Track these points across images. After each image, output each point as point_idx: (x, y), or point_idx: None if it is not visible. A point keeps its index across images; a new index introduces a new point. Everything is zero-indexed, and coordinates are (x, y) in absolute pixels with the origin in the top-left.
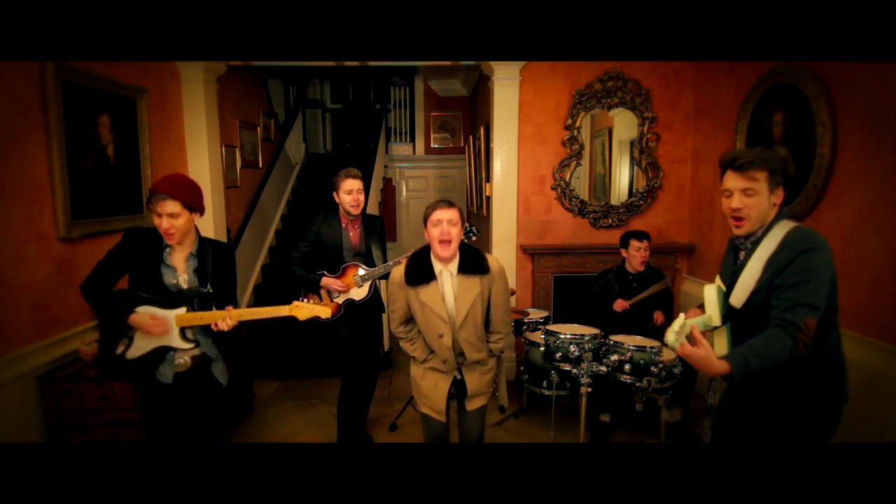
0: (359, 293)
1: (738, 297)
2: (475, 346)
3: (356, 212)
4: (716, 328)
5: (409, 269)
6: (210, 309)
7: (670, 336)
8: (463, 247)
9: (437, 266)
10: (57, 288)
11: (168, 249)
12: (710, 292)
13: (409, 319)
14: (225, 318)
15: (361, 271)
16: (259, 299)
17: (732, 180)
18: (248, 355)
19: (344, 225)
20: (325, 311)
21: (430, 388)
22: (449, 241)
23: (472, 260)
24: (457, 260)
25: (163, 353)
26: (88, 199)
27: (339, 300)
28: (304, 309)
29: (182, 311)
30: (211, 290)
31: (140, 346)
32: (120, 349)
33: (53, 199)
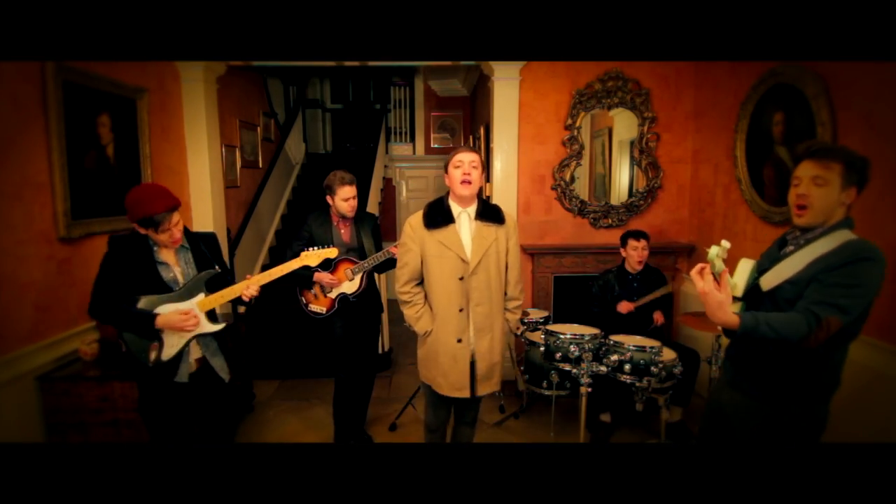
0: (350, 286)
1: (769, 281)
2: (483, 294)
3: (353, 215)
4: (734, 299)
5: (427, 213)
6: (220, 288)
7: (713, 249)
8: (481, 198)
9: (456, 209)
10: (57, 288)
11: (157, 248)
12: (745, 265)
13: (417, 280)
14: (249, 286)
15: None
16: (259, 299)
17: (804, 168)
18: (248, 355)
19: (335, 223)
20: (332, 252)
21: (450, 364)
22: (470, 182)
23: (490, 209)
24: (475, 206)
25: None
26: (88, 199)
27: (333, 295)
28: (313, 256)
29: (201, 296)
30: (219, 270)
31: (173, 344)
32: (153, 355)
33: (53, 199)
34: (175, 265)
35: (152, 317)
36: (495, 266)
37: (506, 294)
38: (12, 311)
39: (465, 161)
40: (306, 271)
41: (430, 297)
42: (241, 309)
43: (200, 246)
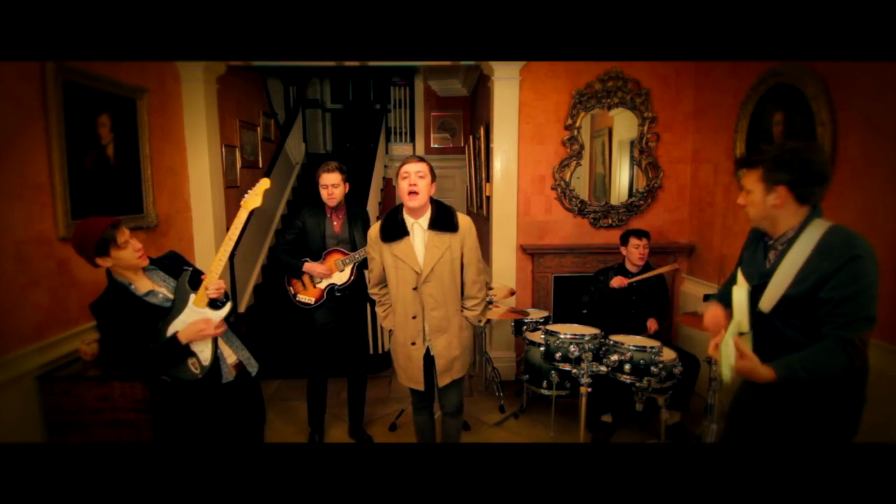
0: (340, 277)
1: (768, 302)
2: (438, 300)
3: (332, 204)
4: (743, 334)
5: (383, 226)
6: (200, 282)
7: (726, 372)
8: (437, 204)
9: (409, 220)
10: (57, 288)
11: (133, 287)
12: (741, 295)
13: (384, 283)
14: (220, 260)
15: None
16: (259, 299)
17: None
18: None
19: (328, 215)
20: (266, 183)
21: (406, 362)
22: (417, 192)
23: (443, 217)
24: (428, 215)
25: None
26: (88, 199)
27: (322, 286)
28: (251, 198)
29: (192, 297)
30: (189, 268)
31: (204, 350)
32: (196, 370)
33: (53, 199)
34: (158, 287)
35: (174, 340)
36: (449, 272)
37: (464, 294)
38: (12, 311)
39: (412, 172)
40: (297, 262)
41: (392, 301)
42: (241, 309)
43: (164, 262)
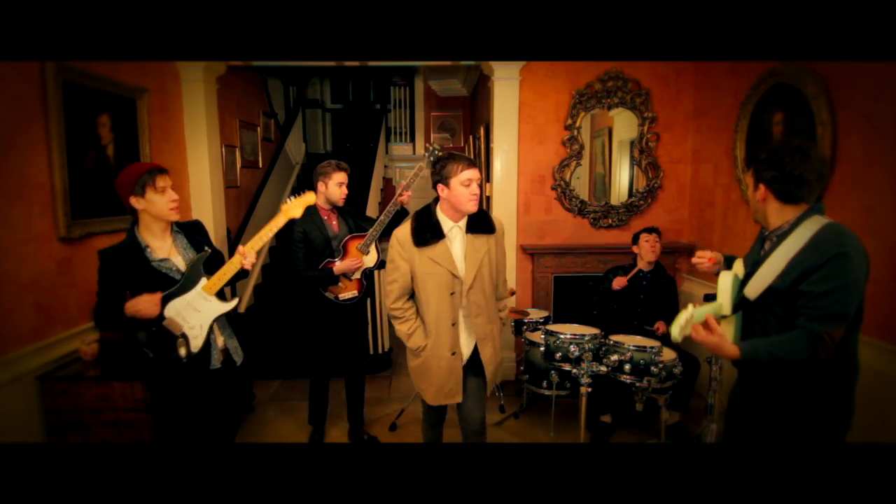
0: (370, 260)
1: (755, 289)
2: (481, 306)
3: (342, 203)
4: (724, 317)
5: (415, 230)
6: (218, 267)
7: (675, 329)
8: None
9: (448, 224)
10: (57, 288)
11: (149, 250)
12: (725, 280)
13: (408, 295)
14: (245, 256)
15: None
16: (259, 299)
17: None
18: (249, 355)
19: (325, 217)
20: (311, 198)
21: (443, 377)
22: (478, 199)
23: (481, 219)
24: (465, 218)
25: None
26: (88, 199)
27: (357, 276)
28: (293, 206)
29: (203, 281)
30: (209, 251)
31: (196, 335)
32: (182, 350)
33: (53, 199)
34: (175, 254)
35: (159, 320)
36: (489, 276)
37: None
38: (12, 311)
39: (474, 179)
40: (321, 271)
41: (421, 312)
42: (242, 309)
43: (189, 231)
